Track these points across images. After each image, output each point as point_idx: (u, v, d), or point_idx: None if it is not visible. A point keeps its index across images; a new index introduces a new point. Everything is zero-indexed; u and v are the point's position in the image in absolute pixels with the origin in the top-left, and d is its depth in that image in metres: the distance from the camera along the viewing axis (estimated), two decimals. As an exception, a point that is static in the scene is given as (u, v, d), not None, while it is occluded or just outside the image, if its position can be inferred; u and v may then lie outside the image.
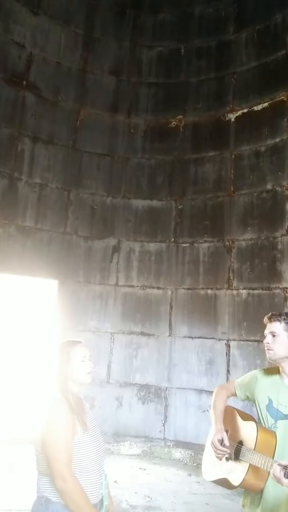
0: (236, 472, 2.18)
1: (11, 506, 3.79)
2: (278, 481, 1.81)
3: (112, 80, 6.83)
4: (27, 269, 5.93)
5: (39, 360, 6.03)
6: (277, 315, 2.30)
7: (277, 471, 1.80)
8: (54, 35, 6.49)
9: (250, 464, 2.11)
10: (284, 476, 1.77)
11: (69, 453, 1.78)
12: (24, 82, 6.14)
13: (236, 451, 2.24)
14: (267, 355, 2.28)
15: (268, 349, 2.26)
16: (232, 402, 2.52)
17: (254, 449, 2.11)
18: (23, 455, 5.16)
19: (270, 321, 2.30)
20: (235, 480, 2.17)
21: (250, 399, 2.39)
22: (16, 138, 6.01)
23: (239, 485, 2.16)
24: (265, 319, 2.34)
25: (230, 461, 2.26)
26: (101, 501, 1.89)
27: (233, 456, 2.25)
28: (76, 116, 6.57)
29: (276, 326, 2.26)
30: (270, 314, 2.34)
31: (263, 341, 2.32)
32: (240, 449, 2.21)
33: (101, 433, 2.03)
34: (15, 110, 6.03)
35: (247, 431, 2.23)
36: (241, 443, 2.24)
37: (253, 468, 2.10)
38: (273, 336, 2.25)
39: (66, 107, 6.50)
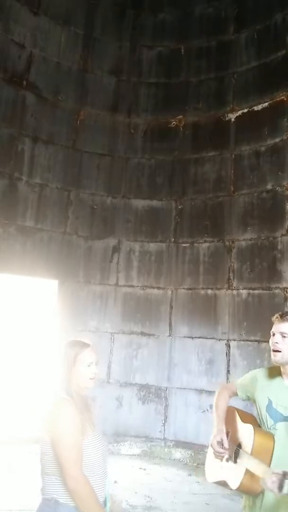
0: (234, 476, 2.17)
1: (11, 506, 3.79)
2: (271, 492, 1.83)
3: (112, 80, 6.83)
4: (27, 269, 5.93)
5: (39, 360, 6.03)
6: None
7: (269, 483, 1.80)
8: (54, 35, 6.49)
9: (247, 469, 2.08)
10: (277, 488, 1.77)
11: (80, 453, 1.78)
12: (24, 82, 6.14)
13: (235, 454, 2.22)
14: (273, 357, 2.16)
15: (276, 350, 2.15)
16: (234, 402, 2.50)
17: (251, 453, 2.08)
18: (23, 455, 5.17)
19: (282, 320, 2.16)
20: (233, 484, 2.16)
21: (251, 399, 2.35)
22: (16, 138, 6.00)
23: (236, 489, 2.15)
24: (276, 317, 2.20)
25: (230, 462, 2.25)
26: (105, 501, 1.89)
27: (232, 458, 2.24)
28: (76, 116, 6.57)
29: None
30: (281, 312, 2.22)
31: (271, 340, 2.19)
32: (239, 452, 2.20)
33: (103, 432, 2.02)
34: (15, 110, 6.02)
35: (245, 433, 2.20)
36: (240, 445, 2.22)
37: (250, 473, 2.07)
38: (283, 337, 2.13)
39: (66, 107, 6.50)
